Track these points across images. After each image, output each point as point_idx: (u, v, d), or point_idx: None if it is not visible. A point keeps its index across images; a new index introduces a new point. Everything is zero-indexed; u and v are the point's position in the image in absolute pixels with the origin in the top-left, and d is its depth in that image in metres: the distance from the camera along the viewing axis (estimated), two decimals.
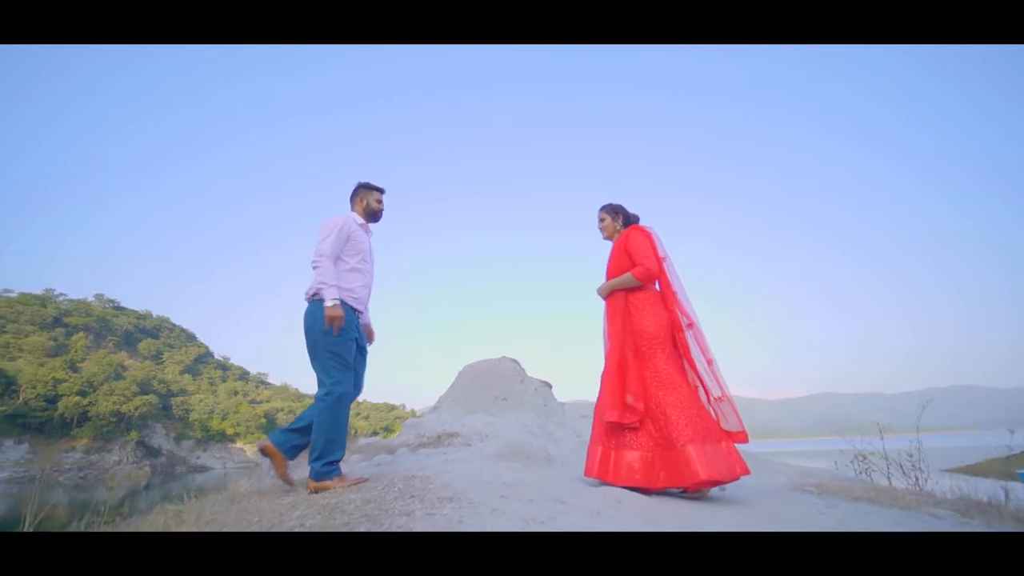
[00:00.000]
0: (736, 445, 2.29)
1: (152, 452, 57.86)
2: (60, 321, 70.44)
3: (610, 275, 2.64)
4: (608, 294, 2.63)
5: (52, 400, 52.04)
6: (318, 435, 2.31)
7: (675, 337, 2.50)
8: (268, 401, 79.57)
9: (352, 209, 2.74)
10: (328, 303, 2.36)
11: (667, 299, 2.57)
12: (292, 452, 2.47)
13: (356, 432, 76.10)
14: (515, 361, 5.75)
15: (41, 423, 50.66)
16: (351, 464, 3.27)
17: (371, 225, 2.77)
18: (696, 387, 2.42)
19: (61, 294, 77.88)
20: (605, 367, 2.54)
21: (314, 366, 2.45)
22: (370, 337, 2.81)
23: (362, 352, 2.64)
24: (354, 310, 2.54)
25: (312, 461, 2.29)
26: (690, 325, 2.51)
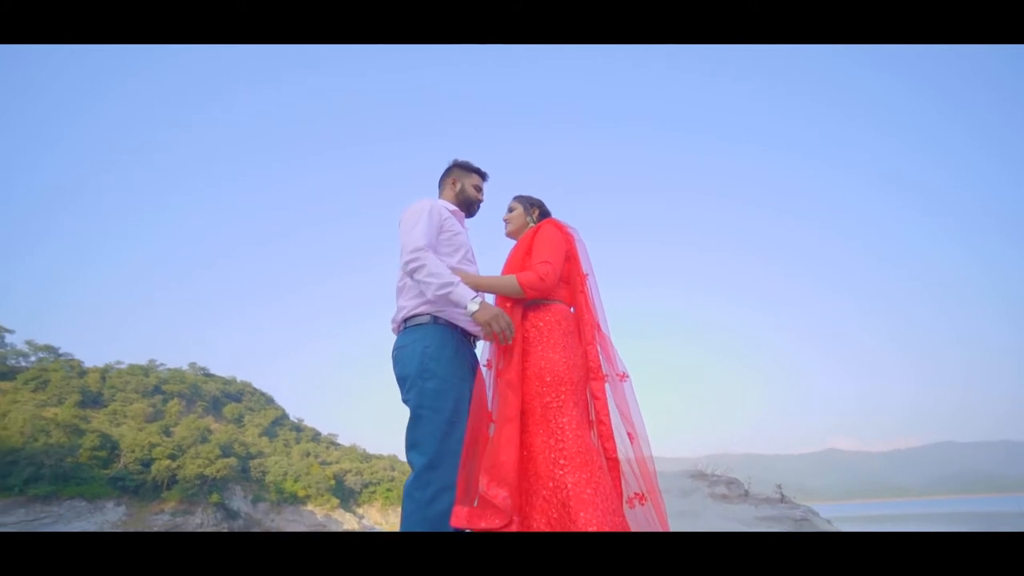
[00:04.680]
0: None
1: (231, 515, 59.98)
2: (159, 389, 77.28)
3: None
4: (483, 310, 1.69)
5: (147, 464, 56.10)
6: None
7: (590, 387, 1.69)
8: (337, 462, 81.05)
9: (440, 196, 2.07)
10: (471, 306, 1.62)
11: (584, 330, 1.75)
12: None
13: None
14: None
15: (136, 486, 54.44)
16: None
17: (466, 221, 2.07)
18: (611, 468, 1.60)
19: (161, 364, 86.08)
20: (466, 426, 1.60)
21: (408, 432, 1.66)
22: None
23: None
24: (466, 335, 1.79)
25: None
26: (623, 377, 1.71)
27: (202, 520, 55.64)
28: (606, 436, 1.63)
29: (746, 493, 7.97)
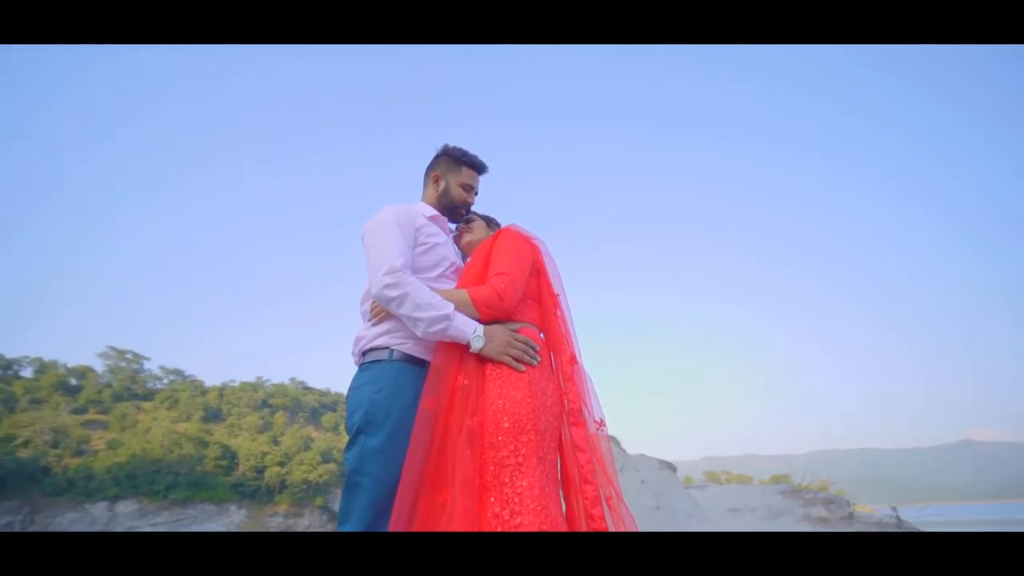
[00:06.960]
0: None
1: (334, 516, 64.75)
2: (266, 403, 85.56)
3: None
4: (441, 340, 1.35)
5: (260, 471, 62.30)
6: None
7: (570, 435, 1.35)
8: None
9: (422, 196, 1.69)
10: (475, 344, 1.31)
11: (561, 362, 1.41)
12: None
13: None
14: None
15: (253, 491, 60.61)
16: None
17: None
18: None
19: (267, 380, 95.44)
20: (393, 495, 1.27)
21: (342, 499, 1.38)
22: None
23: None
24: None
25: None
26: (601, 425, 1.40)
27: (310, 522, 60.68)
28: (592, 500, 1.28)
29: (850, 516, 6.65)
